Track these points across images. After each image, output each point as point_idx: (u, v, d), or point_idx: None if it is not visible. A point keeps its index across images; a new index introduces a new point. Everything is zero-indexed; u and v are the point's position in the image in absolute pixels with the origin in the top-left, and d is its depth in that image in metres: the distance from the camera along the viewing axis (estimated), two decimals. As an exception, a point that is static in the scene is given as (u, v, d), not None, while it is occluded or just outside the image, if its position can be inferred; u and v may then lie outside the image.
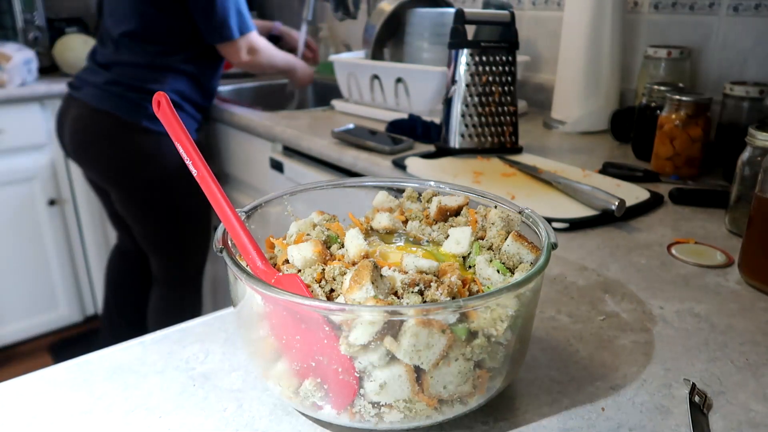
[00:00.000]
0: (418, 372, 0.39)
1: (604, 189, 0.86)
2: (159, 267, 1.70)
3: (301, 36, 1.94)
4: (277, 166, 1.46)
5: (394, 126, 1.31)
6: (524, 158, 1.10)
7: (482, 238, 0.50)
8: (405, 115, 1.36)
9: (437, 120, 1.22)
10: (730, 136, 1.01)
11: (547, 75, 1.59)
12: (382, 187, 0.59)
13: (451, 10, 1.40)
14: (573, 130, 1.35)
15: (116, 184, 1.58)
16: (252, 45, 1.57)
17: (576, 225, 0.81)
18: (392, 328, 0.38)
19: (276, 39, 1.94)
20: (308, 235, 0.50)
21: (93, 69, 1.56)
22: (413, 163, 1.07)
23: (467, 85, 1.10)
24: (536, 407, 0.46)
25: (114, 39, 1.52)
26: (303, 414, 0.45)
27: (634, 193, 0.90)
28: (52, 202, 2.05)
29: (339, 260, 0.45)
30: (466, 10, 1.10)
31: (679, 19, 1.29)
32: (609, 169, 1.03)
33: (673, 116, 1.00)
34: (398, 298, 0.40)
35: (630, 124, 1.20)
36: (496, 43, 1.11)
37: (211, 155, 1.81)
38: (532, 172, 0.99)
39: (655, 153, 1.04)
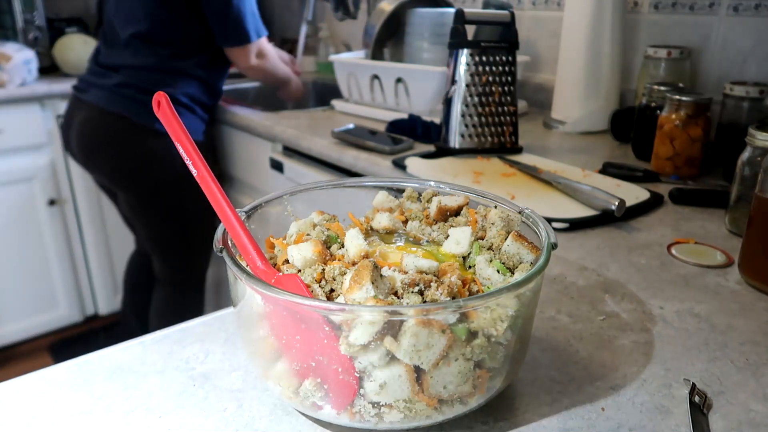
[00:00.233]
0: (418, 372, 0.39)
1: (604, 189, 0.86)
2: (162, 268, 1.70)
3: (301, 36, 1.94)
4: (277, 166, 1.46)
5: (394, 126, 1.31)
6: (524, 158, 1.10)
7: (482, 238, 0.50)
8: (405, 115, 1.36)
9: (437, 120, 1.22)
10: (730, 136, 1.01)
11: (547, 75, 1.59)
12: (382, 187, 0.59)
13: (451, 10, 1.40)
14: (573, 130, 1.35)
15: (125, 187, 1.57)
16: (261, 49, 1.56)
17: (576, 225, 0.81)
18: (392, 328, 0.38)
19: None
20: (308, 235, 0.50)
21: (99, 71, 1.54)
22: (413, 163, 1.07)
23: (467, 85, 1.10)
24: (536, 407, 0.46)
25: (123, 40, 1.49)
26: (303, 414, 0.45)
27: (634, 193, 0.90)
28: (52, 202, 2.05)
29: (339, 260, 0.45)
30: (466, 10, 1.10)
31: (679, 19, 1.30)
32: (609, 169, 1.03)
33: (673, 116, 1.00)
34: (398, 298, 0.40)
35: (630, 124, 1.20)
36: (496, 43, 1.11)
37: (215, 157, 1.80)
38: (532, 172, 0.99)
39: (655, 153, 1.04)
